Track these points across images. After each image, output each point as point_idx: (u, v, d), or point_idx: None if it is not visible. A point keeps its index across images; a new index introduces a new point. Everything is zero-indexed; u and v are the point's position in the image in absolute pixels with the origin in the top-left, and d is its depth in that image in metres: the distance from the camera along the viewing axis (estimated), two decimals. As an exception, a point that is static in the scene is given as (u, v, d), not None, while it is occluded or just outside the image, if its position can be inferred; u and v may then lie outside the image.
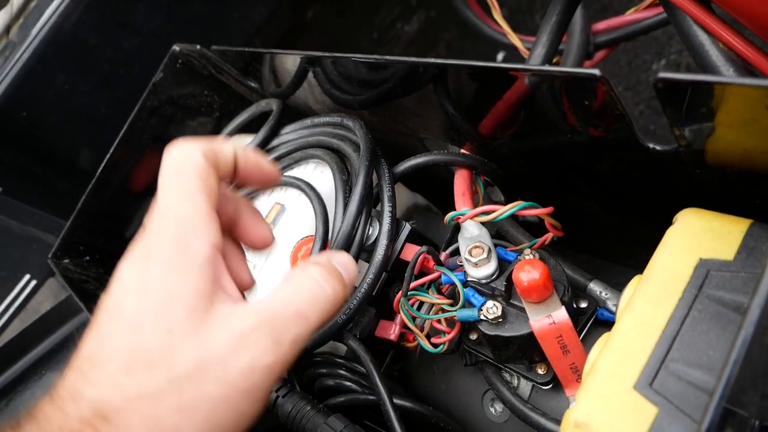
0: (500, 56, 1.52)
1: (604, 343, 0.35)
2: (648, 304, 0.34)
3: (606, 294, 0.47)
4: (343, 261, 0.39)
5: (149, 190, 0.78)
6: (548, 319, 0.41)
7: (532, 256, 0.45)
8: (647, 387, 0.31)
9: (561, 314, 0.41)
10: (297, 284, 0.36)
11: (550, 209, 0.44)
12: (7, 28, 0.80)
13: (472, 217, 0.46)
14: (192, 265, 0.34)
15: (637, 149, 0.37)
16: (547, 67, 0.36)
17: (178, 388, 0.32)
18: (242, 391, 0.33)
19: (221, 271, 0.37)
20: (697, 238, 0.35)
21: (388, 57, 0.46)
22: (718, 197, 0.37)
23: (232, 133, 0.76)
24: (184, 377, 0.32)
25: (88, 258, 0.77)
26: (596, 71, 0.32)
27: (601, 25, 0.74)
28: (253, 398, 0.33)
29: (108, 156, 0.72)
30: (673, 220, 0.37)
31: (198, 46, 0.71)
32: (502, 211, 0.43)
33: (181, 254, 0.34)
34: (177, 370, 0.32)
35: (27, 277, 0.98)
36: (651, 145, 0.37)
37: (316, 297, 0.36)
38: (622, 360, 0.32)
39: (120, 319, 0.33)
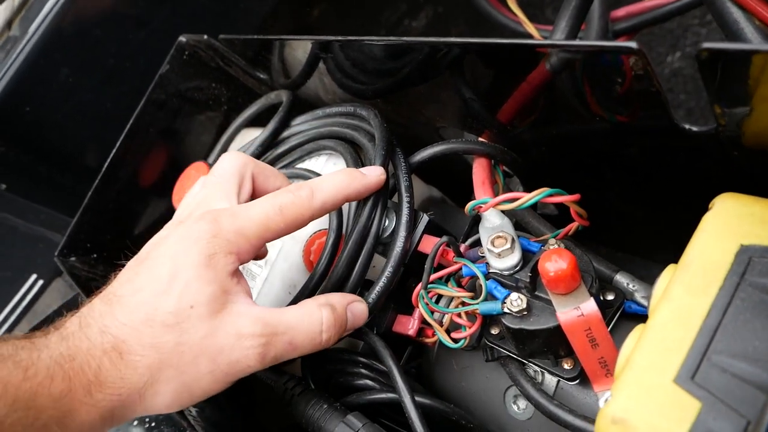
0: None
1: (639, 335, 0.33)
2: (686, 293, 0.32)
3: (633, 286, 0.46)
4: (357, 310, 0.46)
5: (156, 185, 0.76)
6: (576, 311, 0.39)
7: (557, 246, 0.43)
8: (689, 380, 0.29)
9: (590, 306, 0.39)
10: (304, 317, 0.43)
11: (576, 196, 0.42)
12: (9, 22, 0.79)
13: (494, 206, 0.44)
14: (223, 266, 0.41)
15: (671, 131, 0.36)
16: (579, 42, 0.34)
17: (180, 351, 0.39)
18: (222, 374, 0.41)
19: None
20: (737, 224, 0.33)
21: (405, 38, 0.45)
22: (757, 181, 0.35)
23: (240, 127, 0.74)
24: (188, 346, 0.39)
25: (95, 255, 0.75)
26: (633, 44, 0.30)
27: (620, 12, 0.72)
28: (224, 383, 0.41)
29: (114, 151, 0.71)
30: (710, 206, 0.35)
31: (205, 36, 0.70)
32: (527, 198, 0.41)
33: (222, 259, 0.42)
34: (185, 338, 0.39)
35: (34, 276, 0.97)
36: (687, 126, 0.35)
37: (311, 336, 0.43)
38: (660, 352, 0.31)
39: (155, 279, 0.41)
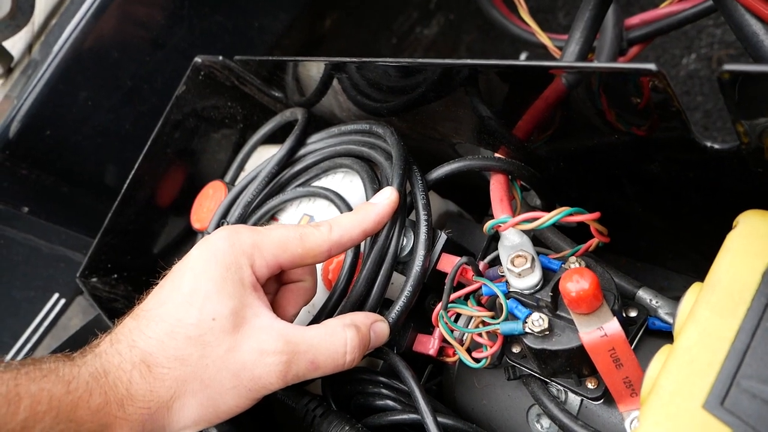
0: (523, 56, 1.50)
1: (665, 357, 0.33)
2: (713, 314, 0.31)
3: (656, 302, 0.45)
4: (379, 330, 0.46)
5: (174, 204, 0.77)
6: (599, 331, 0.38)
7: (578, 264, 0.42)
8: (718, 406, 0.29)
9: (613, 326, 0.38)
10: (327, 336, 0.43)
11: (597, 215, 0.41)
12: (30, 47, 0.80)
13: (514, 225, 0.43)
14: (241, 279, 0.43)
15: (692, 148, 0.35)
16: (596, 64, 0.34)
17: (204, 364, 0.41)
18: (245, 390, 0.41)
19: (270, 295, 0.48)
20: (763, 242, 0.32)
21: (419, 60, 0.44)
22: (781, 197, 0.34)
23: (256, 145, 0.75)
24: (211, 359, 0.41)
25: (115, 276, 0.76)
26: (652, 66, 0.30)
27: (634, 20, 0.71)
28: (247, 399, 0.42)
29: (132, 173, 0.72)
30: (734, 224, 0.35)
31: (220, 57, 0.70)
32: (547, 218, 0.41)
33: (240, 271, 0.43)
34: (208, 351, 0.41)
35: (56, 296, 0.98)
36: (709, 144, 0.34)
37: (335, 357, 0.43)
38: (688, 376, 0.30)
39: (178, 292, 0.42)
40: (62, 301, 0.99)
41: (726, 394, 0.28)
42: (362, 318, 0.46)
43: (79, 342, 0.78)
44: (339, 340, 0.43)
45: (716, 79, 0.27)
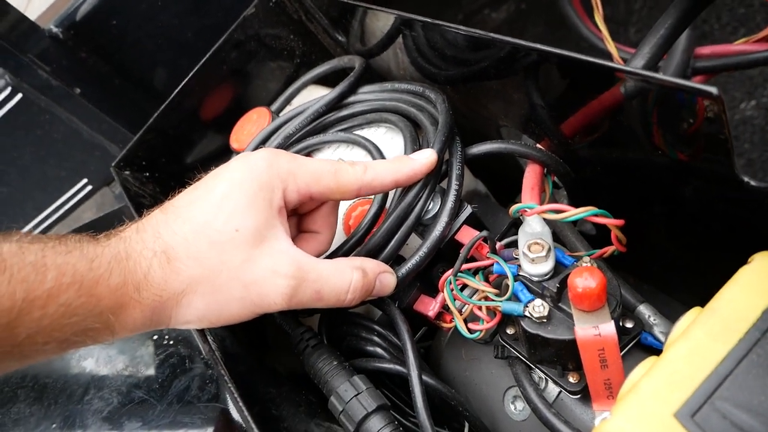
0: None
1: (650, 366, 0.34)
2: (707, 336, 0.33)
3: (654, 319, 0.46)
4: (385, 281, 0.48)
5: (217, 121, 0.79)
6: (595, 329, 0.40)
7: (591, 265, 0.44)
8: (688, 418, 0.30)
9: (608, 328, 0.40)
10: (336, 272, 0.45)
11: (620, 222, 0.43)
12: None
13: (539, 213, 0.45)
14: (271, 199, 0.44)
15: (729, 180, 0.36)
16: (662, 75, 0.35)
17: (218, 270, 0.42)
18: (250, 303, 0.43)
19: (298, 220, 0.51)
20: (772, 283, 0.34)
21: (490, 34, 0.45)
22: (802, 246, 0.35)
23: (308, 83, 0.76)
24: (226, 267, 0.42)
25: (147, 174, 0.78)
26: (714, 89, 0.31)
27: (705, 50, 0.71)
28: (250, 312, 0.44)
29: (186, 80, 0.73)
30: (749, 260, 0.36)
31: (295, -11, 0.71)
32: (573, 212, 0.42)
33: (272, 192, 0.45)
34: (225, 258, 0.42)
35: (84, 180, 1.01)
36: (746, 179, 0.35)
37: (337, 292, 0.45)
38: (668, 385, 0.32)
39: (210, 196, 0.44)
40: (89, 188, 1.03)
41: (699, 408, 0.30)
42: (371, 265, 0.48)
43: (98, 228, 0.81)
44: (345, 277, 0.46)
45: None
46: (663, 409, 0.31)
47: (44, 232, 1.03)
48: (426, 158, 0.49)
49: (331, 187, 0.47)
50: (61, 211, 1.01)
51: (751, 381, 0.30)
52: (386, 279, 0.48)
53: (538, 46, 0.42)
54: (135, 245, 0.42)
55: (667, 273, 0.61)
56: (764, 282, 0.34)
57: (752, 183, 0.35)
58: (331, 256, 0.53)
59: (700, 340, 0.33)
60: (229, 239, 0.42)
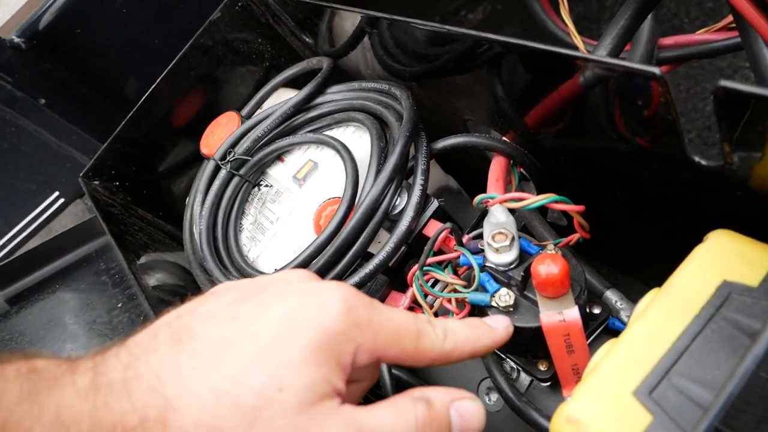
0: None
1: (610, 347, 0.35)
2: (663, 315, 0.33)
3: (621, 304, 0.47)
4: (466, 411, 0.35)
5: (187, 127, 0.79)
6: (559, 315, 0.40)
7: (554, 252, 0.44)
8: (646, 395, 0.31)
9: (572, 313, 0.40)
10: (396, 419, 0.33)
11: (581, 207, 0.43)
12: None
13: (501, 202, 0.45)
14: (340, 353, 0.32)
15: (682, 161, 0.37)
16: (608, 59, 0.35)
17: None
18: None
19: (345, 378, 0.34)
20: (725, 260, 0.34)
21: (451, 27, 0.46)
22: (755, 223, 0.36)
23: (278, 86, 0.76)
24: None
25: (117, 183, 0.78)
26: (656, 69, 0.31)
27: (668, 41, 0.72)
28: None
29: (153, 86, 0.73)
30: (704, 239, 0.37)
31: (261, -8, 0.71)
32: (533, 200, 0.43)
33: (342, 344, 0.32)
34: (260, 429, 0.29)
35: (56, 194, 1.00)
36: (696, 159, 0.36)
37: None
38: (626, 365, 0.32)
39: (252, 336, 0.31)
40: (61, 201, 1.02)
41: (656, 385, 0.30)
42: (438, 393, 0.35)
43: (68, 241, 0.80)
44: (408, 418, 0.33)
45: (711, 94, 0.28)
46: (622, 388, 0.31)
47: (17, 248, 1.02)
48: (504, 328, 0.41)
49: (407, 352, 0.35)
50: (33, 226, 1.00)
51: (705, 356, 0.30)
52: (466, 408, 0.35)
53: (497, 37, 0.43)
54: (116, 404, 0.28)
55: (639, 260, 0.62)
56: (718, 259, 0.34)
57: (702, 162, 0.36)
58: (301, 255, 0.53)
59: (657, 319, 0.33)
60: (267, 403, 0.29)
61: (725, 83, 0.27)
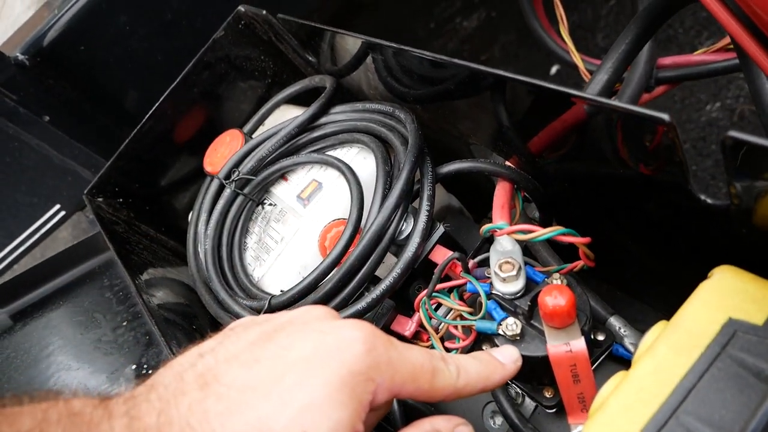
0: (554, 69, 1.51)
1: (619, 380, 0.35)
2: (670, 351, 0.34)
3: (625, 331, 0.48)
4: None
5: (190, 144, 0.79)
6: (566, 346, 0.41)
7: (560, 281, 0.45)
8: (655, 434, 0.31)
9: (579, 344, 0.41)
10: None
11: (587, 240, 0.44)
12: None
13: (509, 233, 0.46)
14: (362, 392, 0.33)
15: (688, 197, 0.37)
16: (615, 102, 0.36)
17: None
18: None
19: None
20: (731, 297, 0.35)
21: (452, 59, 0.46)
22: (760, 260, 0.37)
23: (280, 103, 0.76)
24: None
25: (121, 200, 0.78)
26: (665, 116, 0.32)
27: (666, 61, 0.73)
28: None
29: (157, 104, 0.73)
30: (710, 275, 0.37)
31: (264, 12, 0.72)
32: (540, 233, 0.43)
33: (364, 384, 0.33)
34: None
35: (57, 206, 1.00)
36: (703, 197, 0.37)
37: None
38: (635, 402, 0.33)
39: (274, 378, 0.32)
40: (62, 213, 1.02)
41: (664, 424, 0.31)
42: (443, 423, 0.38)
43: (72, 257, 0.80)
44: None
45: (720, 141, 0.29)
46: (631, 426, 0.32)
47: (17, 259, 1.02)
48: (513, 362, 0.42)
49: (423, 390, 0.36)
50: (34, 238, 1.00)
51: (712, 395, 0.31)
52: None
53: (494, 71, 0.43)
54: None
55: (639, 281, 0.63)
56: (723, 296, 0.35)
57: (708, 201, 0.36)
58: (307, 278, 0.53)
59: (665, 356, 0.34)
60: None
61: (734, 134, 0.28)
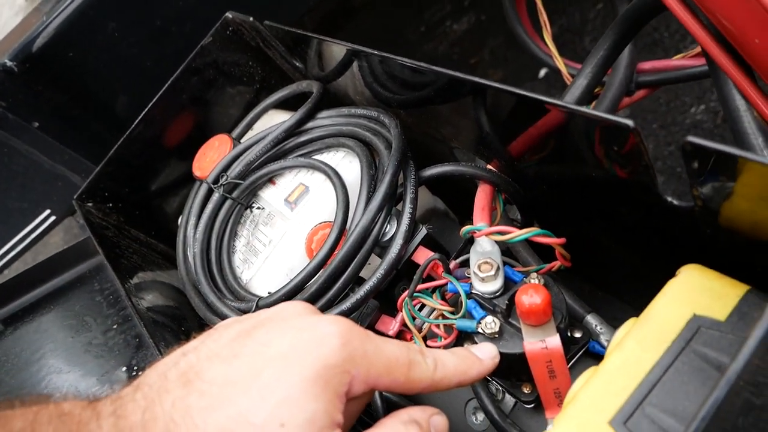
0: (543, 72, 1.53)
1: (589, 375, 0.37)
2: (638, 346, 0.35)
3: (601, 329, 0.49)
4: (439, 424, 0.39)
5: (179, 149, 0.80)
6: (542, 343, 0.42)
7: (537, 281, 0.46)
8: (621, 424, 0.33)
9: (554, 341, 0.42)
10: None
11: (562, 240, 0.45)
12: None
13: (487, 234, 0.47)
14: (337, 385, 0.34)
15: (656, 199, 0.39)
16: (583, 109, 0.38)
17: None
18: None
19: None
20: (695, 294, 0.37)
21: (432, 66, 0.48)
22: (723, 258, 0.38)
23: (268, 108, 0.78)
24: None
25: (110, 205, 0.79)
26: (630, 122, 0.34)
27: (646, 65, 0.75)
28: None
29: (146, 110, 0.74)
30: (677, 273, 0.39)
31: (251, 18, 0.73)
32: (516, 234, 0.45)
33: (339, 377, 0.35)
34: None
35: (47, 212, 1.01)
36: (669, 198, 0.38)
37: None
38: (603, 394, 0.34)
39: (252, 373, 0.33)
40: (52, 218, 1.02)
41: (631, 415, 0.33)
42: (420, 413, 0.39)
43: (62, 261, 0.81)
44: None
45: (680, 147, 0.30)
46: (599, 418, 0.33)
47: (8, 264, 1.03)
48: (491, 358, 0.43)
49: (399, 382, 0.38)
50: (24, 243, 1.01)
51: (676, 387, 0.33)
52: (438, 422, 0.40)
53: (471, 78, 0.45)
54: None
55: (618, 281, 0.65)
56: (689, 294, 0.36)
57: (674, 202, 0.38)
58: (293, 280, 0.54)
59: (633, 350, 0.35)
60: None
61: (692, 139, 0.30)
